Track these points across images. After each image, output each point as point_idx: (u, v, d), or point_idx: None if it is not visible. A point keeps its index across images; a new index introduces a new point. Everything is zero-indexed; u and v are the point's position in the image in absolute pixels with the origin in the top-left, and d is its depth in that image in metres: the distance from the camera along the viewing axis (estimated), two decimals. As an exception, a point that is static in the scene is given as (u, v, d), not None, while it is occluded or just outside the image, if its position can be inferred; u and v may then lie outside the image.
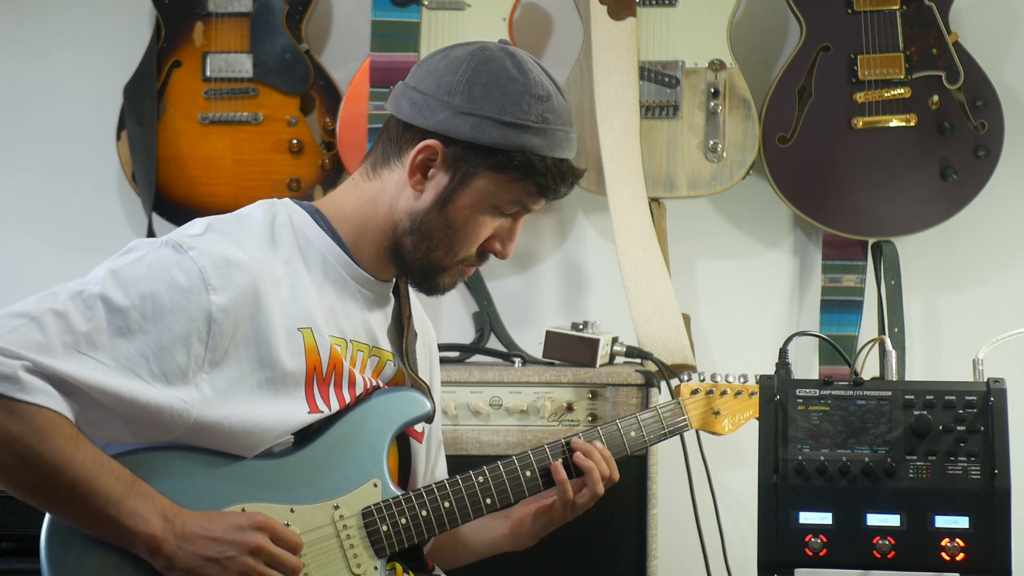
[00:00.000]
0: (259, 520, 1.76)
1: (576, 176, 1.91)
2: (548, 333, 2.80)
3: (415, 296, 2.10)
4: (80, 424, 1.70)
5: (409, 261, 1.92)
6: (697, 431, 2.37)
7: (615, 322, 2.96)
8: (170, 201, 3.13)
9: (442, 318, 3.27)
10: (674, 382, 2.35)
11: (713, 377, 2.29)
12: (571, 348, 2.77)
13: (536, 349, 2.86)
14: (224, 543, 1.73)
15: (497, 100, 1.83)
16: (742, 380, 2.30)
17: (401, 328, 2.02)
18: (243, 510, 1.78)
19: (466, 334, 3.23)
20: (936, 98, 3.01)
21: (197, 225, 1.84)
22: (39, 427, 1.64)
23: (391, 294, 2.01)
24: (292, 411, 1.82)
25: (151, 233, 3.10)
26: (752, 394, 2.28)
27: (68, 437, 1.66)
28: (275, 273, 1.81)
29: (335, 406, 1.87)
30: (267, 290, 1.79)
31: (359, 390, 1.90)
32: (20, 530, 2.02)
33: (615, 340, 2.84)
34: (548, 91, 1.86)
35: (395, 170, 1.90)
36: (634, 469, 2.63)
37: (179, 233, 1.81)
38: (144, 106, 3.11)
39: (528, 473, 2.00)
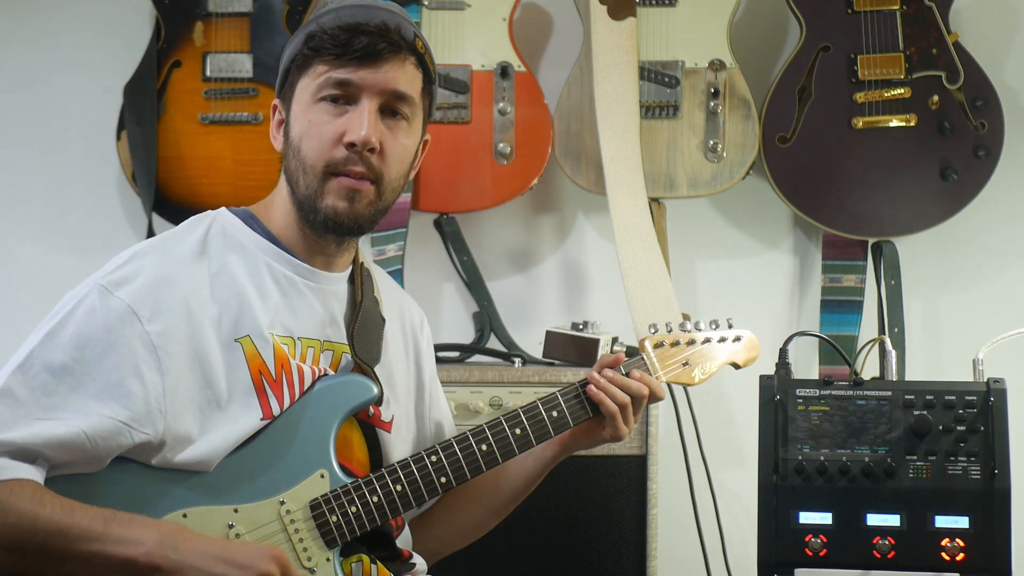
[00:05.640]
0: (276, 553, 1.75)
1: (364, 27, 1.87)
2: (548, 333, 2.80)
3: (389, 283, 2.11)
4: (60, 474, 1.72)
5: (303, 211, 1.90)
6: (695, 423, 2.36)
7: (615, 322, 2.96)
8: (170, 201, 3.13)
9: (442, 318, 3.27)
10: (651, 329, 2.20)
11: (682, 327, 2.17)
12: (571, 348, 2.77)
13: (536, 349, 2.86)
14: (233, 565, 1.71)
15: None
16: (713, 327, 2.18)
17: (354, 316, 2.00)
18: (184, 515, 1.78)
19: (466, 334, 3.23)
20: (936, 98, 3.01)
21: (124, 255, 1.86)
22: (1, 502, 1.66)
23: (348, 283, 2.00)
24: (245, 423, 1.82)
25: (151, 233, 3.10)
26: (722, 340, 2.17)
27: (30, 498, 1.68)
28: (203, 292, 1.83)
29: (287, 404, 1.86)
30: (198, 307, 1.81)
31: (308, 381, 1.89)
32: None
33: (615, 340, 2.84)
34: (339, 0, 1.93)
35: None
36: (634, 469, 2.64)
37: (105, 270, 1.83)
38: (144, 106, 3.11)
39: (484, 447, 1.95)
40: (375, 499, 1.87)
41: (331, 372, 1.93)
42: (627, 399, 2.01)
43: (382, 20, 1.87)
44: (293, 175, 1.90)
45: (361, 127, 1.85)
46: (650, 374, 2.08)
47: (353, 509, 1.86)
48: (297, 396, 1.87)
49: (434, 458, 1.92)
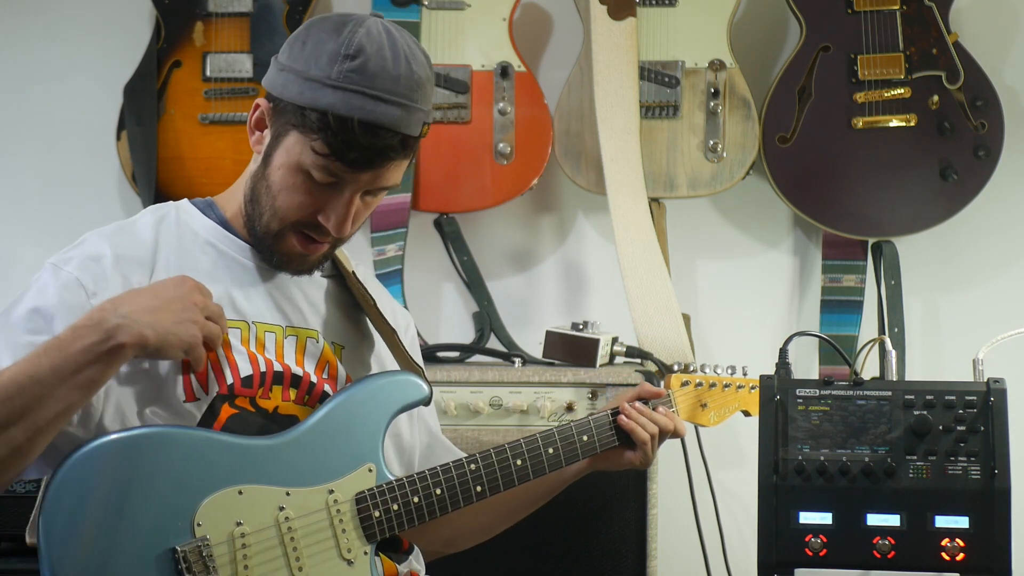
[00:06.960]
0: (192, 281, 1.77)
1: (375, 139, 1.79)
2: (548, 333, 2.80)
3: (378, 284, 2.11)
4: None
5: (254, 238, 1.91)
6: (696, 427, 2.37)
7: (615, 322, 2.96)
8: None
9: (442, 318, 3.27)
10: (676, 367, 2.38)
11: (703, 368, 2.30)
12: (571, 348, 2.77)
13: (536, 349, 2.86)
14: (166, 298, 1.74)
15: (309, 57, 1.81)
16: (730, 372, 2.30)
17: (356, 312, 2.02)
18: (240, 492, 1.78)
19: (466, 334, 3.23)
20: (936, 98, 3.01)
21: (79, 238, 1.91)
22: None
23: (318, 273, 2.00)
24: (168, 395, 1.83)
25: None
26: (740, 387, 2.28)
27: None
28: (147, 271, 1.86)
29: (214, 390, 1.85)
30: (139, 284, 1.83)
31: (263, 367, 1.88)
32: (20, 530, 2.02)
33: (615, 340, 2.84)
34: (361, 51, 1.79)
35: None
36: (634, 469, 2.63)
37: (60, 252, 1.88)
38: (144, 106, 3.11)
39: (519, 462, 2.00)
40: (415, 500, 1.90)
41: (313, 370, 1.93)
42: (656, 431, 2.10)
43: (403, 123, 1.80)
44: (258, 201, 1.90)
45: (339, 219, 1.85)
46: (673, 411, 2.17)
47: (395, 507, 1.88)
48: (229, 382, 1.86)
49: (473, 467, 1.96)
